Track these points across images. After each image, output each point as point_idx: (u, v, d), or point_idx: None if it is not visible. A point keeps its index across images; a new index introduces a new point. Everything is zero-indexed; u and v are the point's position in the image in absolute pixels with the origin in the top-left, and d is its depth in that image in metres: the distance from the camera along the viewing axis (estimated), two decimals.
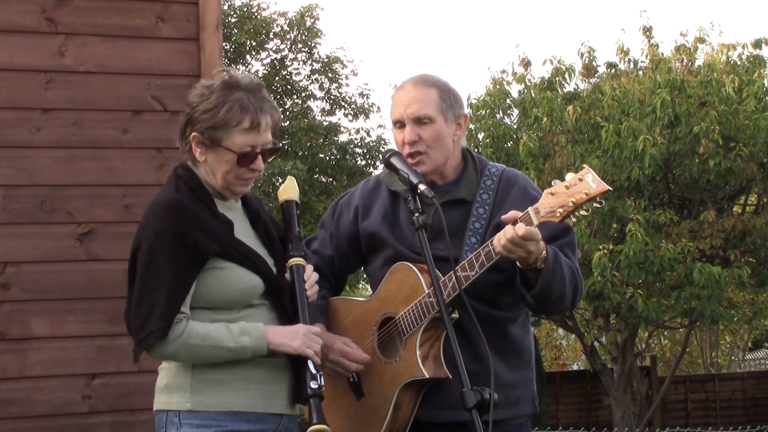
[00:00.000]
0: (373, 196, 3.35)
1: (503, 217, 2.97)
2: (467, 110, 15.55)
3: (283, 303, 2.96)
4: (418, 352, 3.05)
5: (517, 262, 3.01)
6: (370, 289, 3.47)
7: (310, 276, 3.05)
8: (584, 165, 3.01)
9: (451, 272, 3.00)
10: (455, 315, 3.05)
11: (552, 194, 2.92)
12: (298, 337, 2.88)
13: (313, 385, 2.86)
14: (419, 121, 3.19)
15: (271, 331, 2.87)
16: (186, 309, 2.83)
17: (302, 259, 3.03)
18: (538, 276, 3.00)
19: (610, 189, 2.94)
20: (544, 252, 2.97)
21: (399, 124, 3.23)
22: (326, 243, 3.40)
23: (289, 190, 3.15)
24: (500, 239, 2.92)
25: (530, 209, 2.93)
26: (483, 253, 3.00)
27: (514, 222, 2.93)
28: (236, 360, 2.85)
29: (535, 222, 2.92)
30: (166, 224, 2.82)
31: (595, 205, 2.90)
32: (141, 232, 2.87)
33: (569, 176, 2.93)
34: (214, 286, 2.86)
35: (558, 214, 2.90)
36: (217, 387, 2.85)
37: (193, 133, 2.89)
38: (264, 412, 2.89)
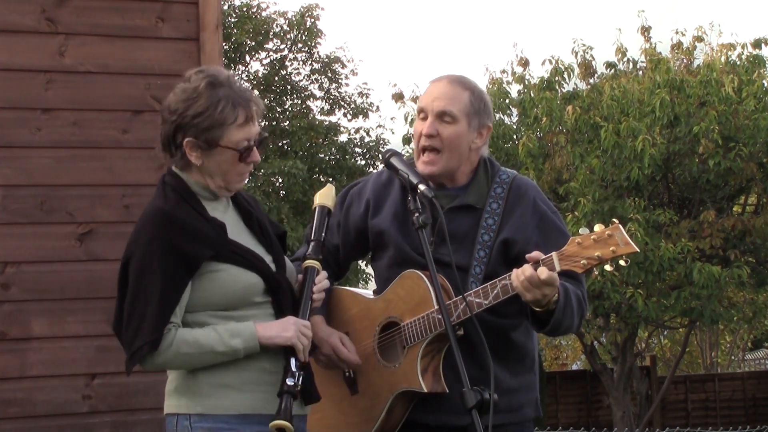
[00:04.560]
0: (385, 191, 3.31)
1: (527, 255, 2.93)
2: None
3: (283, 300, 2.95)
4: (419, 365, 3.05)
5: (530, 304, 2.98)
6: (368, 285, 3.46)
7: (321, 281, 3.03)
8: (614, 220, 2.96)
9: (462, 296, 2.98)
10: (460, 332, 3.05)
11: (579, 243, 2.89)
12: (291, 328, 2.86)
13: (289, 382, 2.83)
14: (442, 116, 3.16)
15: (261, 327, 2.86)
16: (176, 318, 2.82)
17: (317, 263, 3.03)
18: (550, 316, 2.98)
19: (638, 251, 2.90)
20: (556, 295, 2.94)
21: (423, 114, 3.20)
22: (333, 231, 3.34)
23: (325, 196, 3.16)
24: (519, 276, 2.89)
25: (554, 254, 2.89)
26: (500, 284, 2.97)
27: (537, 262, 2.89)
28: (243, 364, 2.86)
29: (558, 268, 2.88)
30: (153, 235, 2.80)
31: (621, 262, 2.87)
32: (130, 245, 2.86)
33: (598, 228, 2.89)
34: (213, 289, 2.85)
35: (582, 265, 2.87)
36: (226, 390, 2.85)
37: (187, 139, 2.85)
38: (274, 413, 2.86)
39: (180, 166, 2.92)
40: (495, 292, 2.97)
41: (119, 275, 2.86)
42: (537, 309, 2.98)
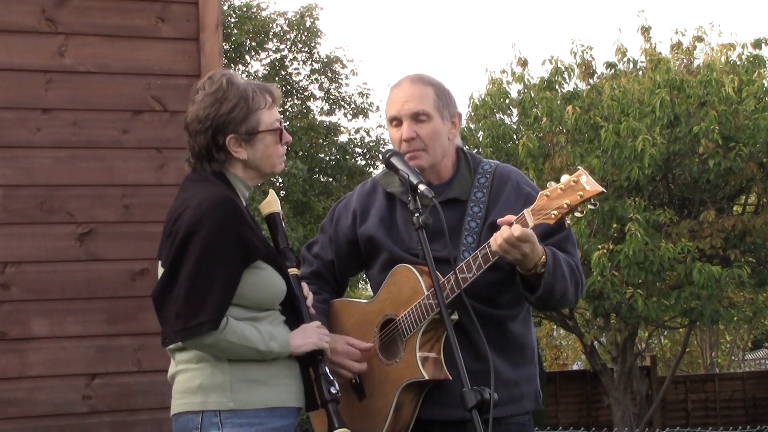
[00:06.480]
0: (370, 199, 3.36)
1: (499, 220, 2.98)
2: (467, 110, 15.53)
3: (289, 311, 3.03)
4: (418, 354, 3.06)
5: (518, 268, 3.02)
6: (370, 289, 3.48)
7: (306, 288, 3.12)
8: (578, 167, 3.02)
9: (450, 274, 3.01)
10: (455, 317, 3.06)
11: (547, 196, 2.94)
12: (314, 334, 2.99)
13: (332, 390, 2.96)
14: (417, 117, 3.19)
15: (291, 336, 2.96)
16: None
17: (296, 269, 3.11)
18: (540, 280, 3.01)
19: (604, 191, 2.96)
20: (543, 257, 2.98)
21: (396, 121, 3.23)
22: (326, 247, 3.41)
23: (271, 203, 3.20)
24: (496, 239, 2.94)
25: (525, 211, 2.94)
26: (480, 255, 3.00)
27: (510, 224, 2.94)
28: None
29: (531, 224, 2.93)
30: (222, 221, 2.84)
31: (589, 206, 2.92)
32: (197, 221, 2.84)
33: (564, 178, 2.95)
34: (252, 285, 2.90)
35: (553, 216, 2.91)
36: (254, 385, 2.90)
37: (229, 137, 2.93)
38: (293, 406, 2.97)
39: (220, 168, 2.97)
40: (477, 263, 3.00)
41: (177, 247, 2.85)
42: (527, 274, 3.01)
